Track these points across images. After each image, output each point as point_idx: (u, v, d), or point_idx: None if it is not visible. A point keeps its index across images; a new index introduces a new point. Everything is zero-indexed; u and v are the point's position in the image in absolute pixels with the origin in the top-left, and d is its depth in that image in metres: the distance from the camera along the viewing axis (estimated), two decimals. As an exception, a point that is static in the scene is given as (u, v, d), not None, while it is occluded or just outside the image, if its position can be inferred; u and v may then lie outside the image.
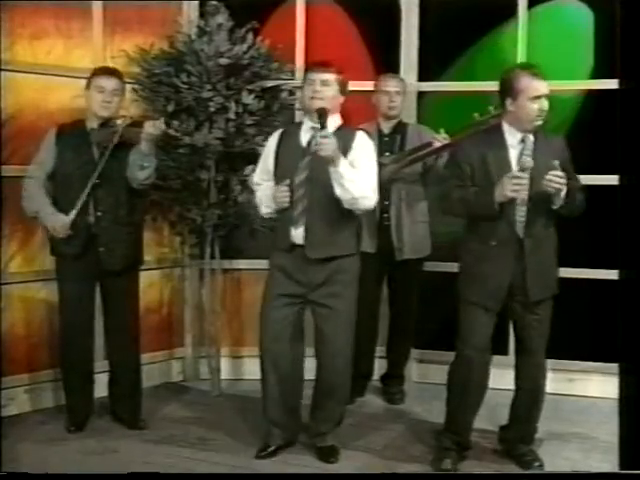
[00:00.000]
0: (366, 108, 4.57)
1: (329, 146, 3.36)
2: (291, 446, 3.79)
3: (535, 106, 3.40)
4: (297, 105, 4.42)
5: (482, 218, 3.47)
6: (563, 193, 3.34)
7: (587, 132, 4.62)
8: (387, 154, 4.35)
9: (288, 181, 3.53)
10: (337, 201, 3.49)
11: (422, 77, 4.78)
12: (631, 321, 3.00)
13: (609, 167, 4.12)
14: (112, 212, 3.90)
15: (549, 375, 3.74)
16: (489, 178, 3.43)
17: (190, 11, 4.71)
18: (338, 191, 3.45)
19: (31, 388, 4.28)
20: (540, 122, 3.44)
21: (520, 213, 3.43)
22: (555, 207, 3.39)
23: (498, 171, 3.41)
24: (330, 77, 3.54)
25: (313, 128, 3.56)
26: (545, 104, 3.42)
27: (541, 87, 3.41)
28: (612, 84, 4.06)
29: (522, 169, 3.37)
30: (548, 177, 3.31)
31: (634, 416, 3.00)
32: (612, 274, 3.87)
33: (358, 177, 3.46)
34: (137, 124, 3.88)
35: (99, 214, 3.87)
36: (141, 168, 3.83)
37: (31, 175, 3.93)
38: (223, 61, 4.31)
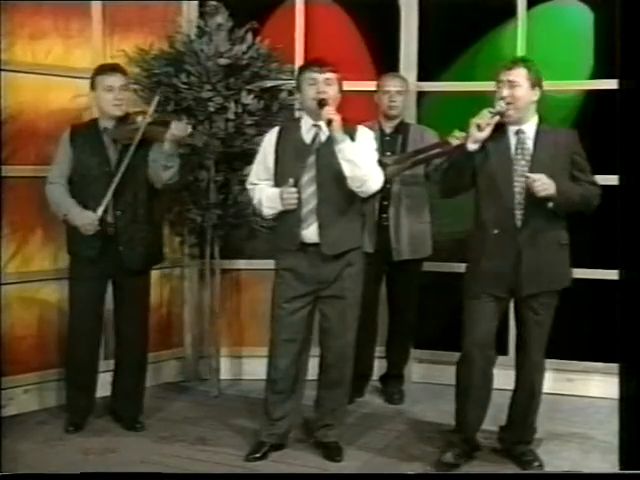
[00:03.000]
0: (366, 108, 4.57)
1: (338, 118, 3.44)
2: (281, 448, 3.79)
3: (502, 93, 3.45)
4: (297, 105, 4.39)
5: (461, 168, 3.50)
6: (551, 195, 3.36)
7: (587, 132, 4.60)
8: (388, 154, 4.35)
9: (292, 181, 3.53)
10: (346, 196, 3.55)
11: (422, 77, 4.78)
12: (631, 321, 3.01)
13: (609, 167, 4.11)
14: (131, 211, 3.90)
15: (549, 375, 3.74)
16: (489, 167, 3.47)
17: (189, 11, 4.71)
18: (348, 169, 3.46)
19: (30, 388, 4.28)
20: (507, 109, 3.44)
21: (519, 205, 3.45)
22: (549, 206, 3.42)
23: (498, 158, 3.46)
24: (332, 76, 3.58)
25: (315, 126, 3.59)
26: (506, 91, 3.43)
27: (503, 75, 3.46)
28: (612, 84, 4.06)
29: (496, 113, 3.42)
30: (530, 180, 3.36)
31: (634, 416, 3.00)
32: (612, 274, 3.87)
33: (366, 157, 3.53)
34: (157, 122, 3.88)
35: (118, 213, 3.87)
36: (165, 168, 3.85)
37: (52, 181, 3.91)
38: (222, 61, 4.31)
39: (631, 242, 3.03)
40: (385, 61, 4.80)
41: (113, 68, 3.95)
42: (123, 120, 3.91)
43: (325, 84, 3.54)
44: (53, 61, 4.30)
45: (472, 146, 3.44)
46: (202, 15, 4.51)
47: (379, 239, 4.36)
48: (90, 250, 3.88)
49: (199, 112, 4.34)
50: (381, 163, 4.27)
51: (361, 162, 3.48)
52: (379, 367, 4.71)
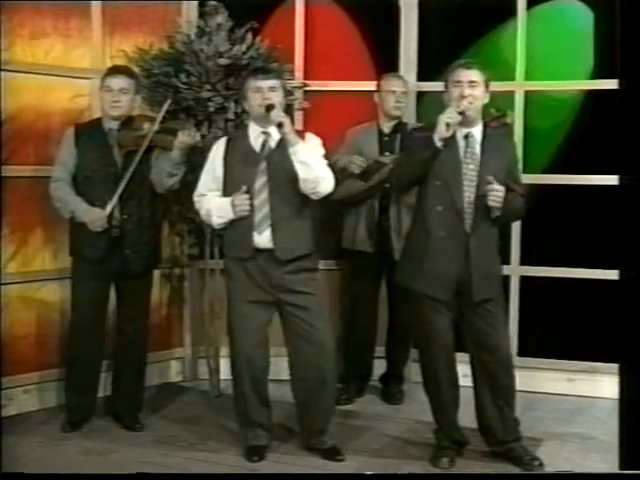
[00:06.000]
0: (365, 108, 4.57)
1: (287, 121, 3.48)
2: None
3: (463, 92, 3.43)
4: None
5: (424, 163, 3.45)
6: (499, 205, 3.39)
7: (587, 132, 4.62)
8: (387, 154, 4.36)
9: (245, 188, 3.55)
10: (299, 201, 3.58)
11: (422, 77, 4.78)
12: (631, 321, 3.01)
13: (609, 167, 4.12)
14: (137, 215, 3.91)
15: (549, 375, 3.73)
16: (439, 169, 3.45)
17: (189, 11, 4.70)
18: (302, 171, 3.49)
19: (30, 388, 4.28)
20: (469, 108, 3.42)
21: (469, 210, 3.45)
22: (492, 216, 3.44)
23: (448, 161, 3.45)
24: (276, 83, 3.62)
25: (264, 133, 3.62)
26: (468, 91, 3.42)
27: (463, 76, 3.45)
28: (612, 84, 4.06)
29: (459, 112, 3.39)
30: (488, 191, 3.37)
31: (634, 416, 3.00)
32: (612, 274, 3.87)
33: (318, 159, 3.57)
34: (164, 130, 3.88)
35: (125, 217, 3.88)
36: (170, 175, 3.86)
37: (56, 178, 3.91)
38: (222, 61, 4.31)
39: (631, 242, 3.03)
40: (385, 61, 4.80)
41: (119, 70, 3.96)
42: (128, 124, 3.92)
43: (269, 91, 3.57)
44: (53, 61, 4.30)
45: (439, 143, 3.41)
46: (202, 15, 4.51)
47: (380, 239, 4.36)
48: (95, 252, 3.88)
49: (199, 112, 4.33)
50: (380, 163, 4.30)
51: (314, 164, 3.52)
52: (379, 367, 4.71)
